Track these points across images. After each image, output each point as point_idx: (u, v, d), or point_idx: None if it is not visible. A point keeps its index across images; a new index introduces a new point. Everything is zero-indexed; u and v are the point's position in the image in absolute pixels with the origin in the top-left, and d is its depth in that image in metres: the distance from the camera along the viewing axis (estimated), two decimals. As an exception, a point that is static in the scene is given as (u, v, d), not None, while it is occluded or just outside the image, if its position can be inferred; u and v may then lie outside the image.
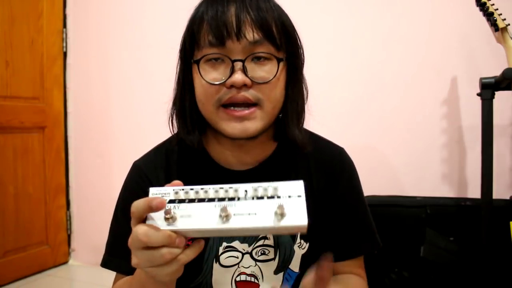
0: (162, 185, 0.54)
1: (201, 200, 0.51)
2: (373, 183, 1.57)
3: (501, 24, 1.24)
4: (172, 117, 0.76)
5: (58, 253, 2.40)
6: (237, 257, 0.74)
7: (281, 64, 0.68)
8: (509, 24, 1.24)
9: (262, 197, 0.51)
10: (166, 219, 0.50)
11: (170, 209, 0.50)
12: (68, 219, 2.47)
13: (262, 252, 0.74)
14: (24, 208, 2.20)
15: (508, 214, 1.25)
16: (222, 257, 0.74)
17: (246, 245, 0.74)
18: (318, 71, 1.73)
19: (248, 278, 0.74)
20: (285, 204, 0.49)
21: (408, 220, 1.46)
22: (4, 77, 2.10)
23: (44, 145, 2.33)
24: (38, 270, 2.28)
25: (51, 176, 2.36)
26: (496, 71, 1.25)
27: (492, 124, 1.26)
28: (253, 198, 0.51)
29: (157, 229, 0.49)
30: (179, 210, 0.51)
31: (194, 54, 0.70)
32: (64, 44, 2.43)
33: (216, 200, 0.51)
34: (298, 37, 0.74)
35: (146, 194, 0.53)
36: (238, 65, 0.65)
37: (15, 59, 2.15)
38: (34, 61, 2.26)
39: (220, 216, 0.50)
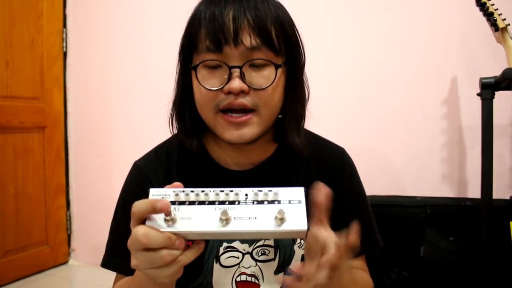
0: (162, 185, 0.54)
1: (202, 203, 0.51)
2: (373, 183, 1.57)
3: (501, 24, 1.24)
4: (172, 118, 0.76)
5: (58, 253, 2.40)
6: (238, 257, 0.74)
7: (280, 70, 0.68)
8: (509, 24, 1.24)
9: (262, 202, 0.51)
10: (166, 220, 0.50)
11: (170, 211, 0.50)
12: (68, 219, 2.47)
13: (262, 252, 0.74)
14: (24, 208, 2.20)
15: (508, 214, 1.25)
16: (222, 258, 0.74)
17: (247, 245, 0.74)
18: (318, 71, 1.72)
19: (249, 278, 0.74)
20: (285, 209, 0.50)
21: (408, 220, 1.46)
22: (4, 77, 2.10)
23: (44, 145, 2.32)
24: (38, 270, 2.28)
25: (51, 176, 2.36)
26: (496, 71, 1.25)
27: (492, 124, 1.26)
28: (253, 202, 0.51)
29: (157, 230, 0.49)
30: (179, 212, 0.51)
31: (193, 58, 0.70)
32: (64, 44, 2.43)
33: (217, 203, 0.51)
34: (299, 36, 0.74)
35: (146, 194, 0.53)
36: (236, 71, 0.65)
37: (15, 59, 2.15)
38: (34, 61, 2.26)
39: (221, 219, 0.50)
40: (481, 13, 1.28)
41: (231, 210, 0.50)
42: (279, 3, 0.72)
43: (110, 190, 2.24)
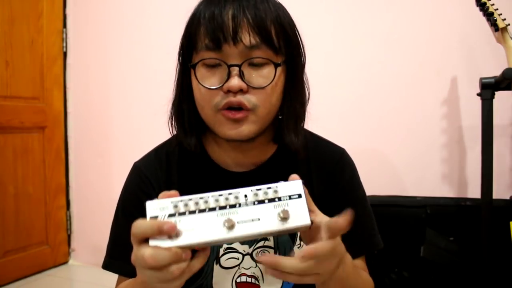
0: (162, 186, 0.54)
1: (202, 211, 0.50)
2: (373, 183, 1.57)
3: (501, 24, 1.24)
4: (172, 118, 0.76)
5: (58, 253, 2.40)
6: (238, 259, 0.74)
7: (279, 69, 0.68)
8: (509, 24, 1.24)
9: (263, 201, 0.51)
10: (169, 235, 0.49)
11: (176, 226, 0.49)
12: (68, 219, 2.47)
13: (262, 253, 0.74)
14: (24, 208, 2.20)
15: (508, 214, 1.25)
16: (222, 259, 0.74)
17: (247, 246, 0.73)
18: (318, 71, 1.72)
19: (249, 280, 0.74)
20: (286, 206, 0.50)
21: (408, 220, 1.46)
22: (4, 77, 2.10)
23: (44, 145, 2.33)
24: (38, 270, 2.28)
25: (51, 176, 2.36)
26: (496, 71, 1.25)
27: (492, 124, 1.26)
28: (254, 203, 0.51)
29: (163, 249, 0.48)
30: (181, 223, 0.49)
31: (192, 57, 0.70)
32: (64, 44, 2.43)
33: (218, 208, 0.50)
34: (299, 36, 0.74)
35: (146, 195, 0.53)
36: (235, 70, 0.65)
37: (15, 59, 2.15)
38: (34, 61, 2.26)
39: (224, 225, 0.49)
40: (481, 13, 1.28)
41: (234, 214, 0.50)
42: (279, 3, 0.72)
43: (110, 190, 2.24)
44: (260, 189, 0.51)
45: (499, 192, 1.39)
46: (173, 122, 0.76)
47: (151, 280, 0.50)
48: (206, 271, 0.74)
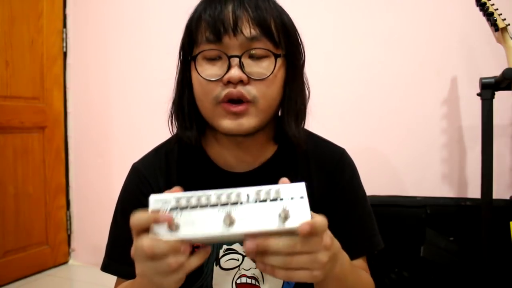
0: (161, 187, 0.54)
1: (204, 206, 0.51)
2: (373, 183, 1.57)
3: (501, 24, 1.23)
4: (172, 117, 0.76)
5: (58, 253, 2.40)
6: (238, 260, 0.74)
7: (279, 60, 0.68)
8: (509, 24, 1.24)
9: (264, 200, 0.51)
10: (169, 227, 0.49)
11: (173, 223, 0.49)
12: (68, 219, 2.47)
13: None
14: (24, 208, 2.20)
15: (508, 214, 1.25)
16: (222, 260, 0.74)
17: (246, 247, 0.73)
18: (318, 71, 1.72)
19: (249, 281, 0.74)
20: (288, 206, 0.49)
21: (408, 220, 1.46)
22: (4, 77, 2.10)
23: (44, 145, 2.33)
24: (38, 270, 2.28)
25: (51, 176, 2.36)
26: (496, 71, 1.25)
27: (492, 124, 1.26)
28: (255, 202, 0.51)
29: (161, 240, 0.48)
30: (182, 217, 0.50)
31: (193, 51, 0.70)
32: (64, 44, 2.43)
33: (219, 205, 0.51)
34: (299, 36, 0.74)
35: (145, 196, 0.53)
36: (235, 61, 0.65)
37: (15, 59, 2.15)
38: (34, 61, 2.26)
39: (224, 221, 0.49)
40: (481, 13, 1.28)
41: (234, 211, 0.50)
42: (280, 6, 0.73)
43: (110, 190, 2.24)
44: (262, 189, 0.51)
45: (499, 192, 1.39)
46: (173, 121, 0.76)
47: (149, 272, 0.50)
48: (206, 272, 0.74)
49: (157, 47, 2.10)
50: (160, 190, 0.54)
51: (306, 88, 0.76)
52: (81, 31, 2.41)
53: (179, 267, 0.49)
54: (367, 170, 1.56)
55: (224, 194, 0.51)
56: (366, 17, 1.73)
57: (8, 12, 2.11)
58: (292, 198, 0.50)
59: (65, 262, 2.45)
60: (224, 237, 0.50)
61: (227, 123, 0.67)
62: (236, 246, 0.74)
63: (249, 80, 0.66)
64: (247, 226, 0.49)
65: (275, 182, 0.53)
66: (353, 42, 1.76)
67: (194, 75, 0.69)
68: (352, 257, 0.77)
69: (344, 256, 0.60)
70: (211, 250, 0.73)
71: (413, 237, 1.42)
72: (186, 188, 0.54)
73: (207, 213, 0.50)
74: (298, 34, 0.74)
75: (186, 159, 0.78)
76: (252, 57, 0.67)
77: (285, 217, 0.49)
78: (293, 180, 0.53)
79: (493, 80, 1.26)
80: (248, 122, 0.68)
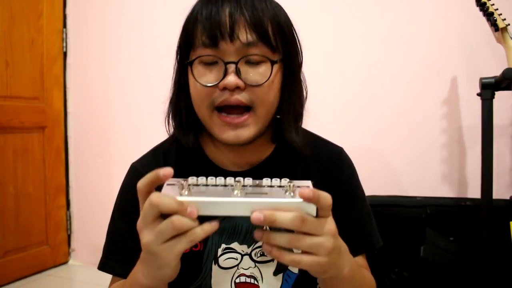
0: (159, 186, 0.54)
1: (215, 185, 0.54)
2: (373, 183, 1.57)
3: (501, 24, 1.23)
4: (169, 117, 0.76)
5: (58, 253, 2.40)
6: (236, 259, 0.74)
7: (276, 66, 0.67)
8: (509, 24, 1.24)
9: (273, 186, 0.54)
10: (180, 193, 0.50)
11: (184, 184, 0.51)
12: (68, 219, 2.47)
13: (261, 253, 0.74)
14: (24, 208, 2.20)
15: (508, 214, 1.25)
16: (221, 259, 0.74)
17: (245, 246, 0.73)
18: (317, 71, 1.73)
19: (248, 280, 0.74)
20: (295, 186, 0.52)
21: (408, 220, 1.46)
22: (4, 77, 2.10)
23: (44, 145, 2.33)
24: (38, 270, 2.28)
25: (51, 176, 2.36)
26: (496, 71, 1.25)
27: (492, 124, 1.26)
28: (264, 186, 0.54)
29: (169, 196, 0.49)
30: (193, 187, 0.53)
31: (189, 54, 0.70)
32: (64, 44, 2.43)
33: (229, 185, 0.54)
34: (297, 36, 0.74)
35: None
36: (231, 67, 0.65)
37: (15, 59, 2.15)
38: (34, 61, 2.26)
39: (233, 191, 0.52)
40: (481, 13, 1.28)
41: (246, 188, 0.53)
42: (277, 3, 0.72)
43: (110, 190, 2.24)
44: (270, 179, 0.55)
45: (499, 192, 1.39)
46: (170, 121, 0.76)
47: (153, 240, 0.50)
48: (204, 272, 0.74)
49: (157, 47, 2.10)
50: (158, 190, 0.54)
51: (304, 88, 0.76)
52: (81, 31, 2.41)
53: (183, 233, 0.49)
54: (367, 170, 1.56)
55: (233, 179, 0.54)
56: (366, 17, 1.73)
57: (8, 12, 2.11)
58: (298, 186, 0.52)
59: (65, 262, 2.45)
60: (231, 206, 0.51)
61: (225, 135, 0.68)
62: (235, 245, 0.74)
63: (245, 86, 0.65)
64: (254, 198, 0.51)
65: None
66: (353, 42, 1.76)
67: (191, 79, 0.69)
68: (352, 255, 0.77)
69: (351, 257, 0.60)
70: (208, 249, 0.73)
71: (413, 237, 1.42)
72: None
73: (219, 188, 0.53)
74: (296, 34, 0.73)
75: (184, 158, 0.78)
76: (248, 62, 0.66)
77: (291, 192, 0.51)
78: (291, 179, 0.54)
79: (493, 80, 1.26)
80: (247, 132, 0.68)
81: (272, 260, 0.75)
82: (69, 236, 2.47)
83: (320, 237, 0.51)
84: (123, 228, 0.75)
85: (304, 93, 0.76)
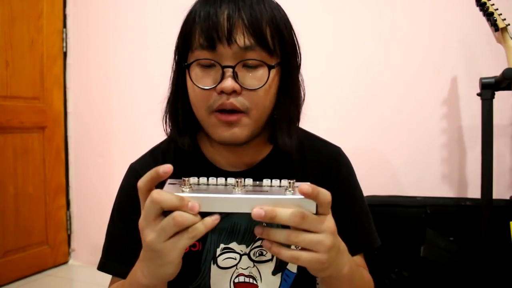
0: (158, 187, 0.54)
1: (215, 185, 0.56)
2: (373, 183, 1.57)
3: (501, 24, 1.23)
4: (166, 116, 0.76)
5: (58, 253, 2.40)
6: (235, 259, 0.74)
7: (273, 71, 0.67)
8: (509, 24, 1.24)
9: (273, 186, 0.56)
10: (182, 190, 0.51)
11: (185, 182, 0.52)
12: (68, 219, 2.47)
13: (260, 253, 0.74)
14: (24, 208, 2.20)
15: (508, 214, 1.25)
16: (219, 259, 0.74)
17: (244, 246, 0.73)
18: (317, 71, 1.73)
19: (247, 279, 0.74)
20: (295, 185, 0.53)
21: (408, 220, 1.46)
22: (4, 77, 2.10)
23: (44, 145, 2.33)
24: (38, 270, 2.28)
25: (51, 176, 2.36)
26: (496, 71, 1.25)
27: (492, 124, 1.26)
28: (264, 186, 0.55)
29: (169, 192, 0.50)
30: (195, 186, 0.54)
31: (187, 56, 0.70)
32: (64, 44, 2.43)
33: (230, 185, 0.55)
34: (295, 37, 0.73)
35: None
36: (229, 71, 0.65)
37: (15, 59, 2.15)
38: (34, 61, 2.26)
39: (233, 188, 0.53)
40: (481, 13, 1.28)
41: (246, 187, 0.54)
42: (276, 3, 0.72)
43: (110, 190, 2.23)
44: (270, 179, 0.57)
45: (499, 192, 1.39)
46: (167, 120, 0.76)
47: (155, 237, 0.50)
48: (203, 272, 0.74)
49: (157, 47, 2.10)
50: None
51: (301, 89, 0.76)
52: (81, 31, 2.41)
53: (185, 229, 0.50)
54: (367, 170, 1.57)
55: (233, 179, 0.55)
56: (366, 17, 1.73)
57: (8, 12, 2.11)
58: (298, 186, 0.53)
59: (65, 262, 2.45)
60: (232, 202, 0.51)
61: (220, 133, 0.68)
62: (233, 245, 0.74)
63: (242, 90, 0.66)
64: (254, 194, 0.52)
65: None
66: (353, 42, 1.76)
67: (189, 81, 0.69)
68: (351, 254, 0.77)
69: (350, 256, 0.61)
70: (207, 249, 0.73)
71: (413, 237, 1.43)
72: None
73: (218, 187, 0.54)
74: (295, 35, 0.73)
75: (182, 158, 0.78)
76: (246, 66, 0.66)
77: (291, 190, 0.53)
78: (289, 179, 0.54)
79: (493, 80, 1.26)
80: (241, 132, 0.68)
81: (270, 260, 0.75)
82: (69, 236, 2.47)
83: (319, 234, 0.51)
84: (122, 228, 0.76)
85: (302, 95, 0.76)
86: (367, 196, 1.42)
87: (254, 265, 0.74)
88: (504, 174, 1.53)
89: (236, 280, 0.74)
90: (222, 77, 0.65)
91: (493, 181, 1.24)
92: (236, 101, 0.66)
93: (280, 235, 0.51)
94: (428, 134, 1.64)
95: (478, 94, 1.30)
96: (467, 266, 1.35)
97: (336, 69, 1.78)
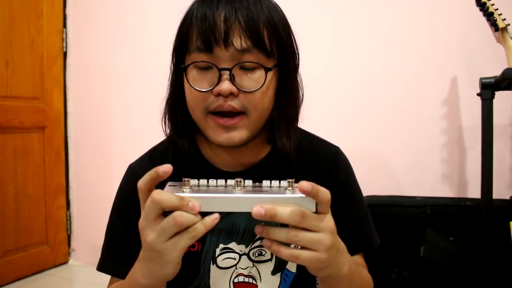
0: (157, 187, 0.54)
1: (215, 186, 0.56)
2: (373, 183, 1.57)
3: (501, 24, 1.23)
4: (165, 117, 0.76)
5: (58, 253, 2.40)
6: (234, 259, 0.74)
7: (270, 73, 0.67)
8: (509, 24, 1.24)
9: (272, 186, 0.57)
10: (182, 191, 0.51)
11: (185, 181, 0.52)
12: (68, 219, 2.47)
13: (259, 253, 0.74)
14: (24, 208, 2.20)
15: (508, 214, 1.25)
16: (219, 259, 0.74)
17: (243, 246, 0.73)
18: (317, 71, 1.73)
19: (246, 279, 0.74)
20: (295, 186, 0.54)
21: (408, 220, 1.46)
22: (4, 77, 2.10)
23: (44, 145, 2.33)
24: (38, 270, 2.28)
25: (51, 176, 2.36)
26: (496, 71, 1.25)
27: (492, 124, 1.26)
28: (263, 187, 0.56)
29: (169, 193, 0.50)
30: (195, 187, 0.54)
31: (185, 58, 0.69)
32: (64, 44, 2.43)
33: (230, 186, 0.55)
34: (293, 37, 0.73)
35: None
36: (226, 73, 0.64)
37: (15, 59, 2.15)
38: (34, 61, 2.26)
39: (233, 188, 0.53)
40: (481, 13, 1.28)
41: (247, 187, 0.55)
42: (274, 3, 0.72)
43: (110, 190, 2.23)
44: (270, 181, 0.57)
45: (499, 192, 1.39)
46: (166, 121, 0.76)
47: (156, 237, 0.50)
48: (203, 272, 0.74)
49: (157, 47, 2.08)
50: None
51: (299, 90, 0.76)
52: (81, 31, 2.41)
53: (185, 229, 0.50)
54: (367, 170, 1.57)
55: (234, 180, 0.55)
56: (366, 17, 1.73)
57: (8, 12, 2.11)
58: (297, 187, 0.53)
59: (65, 262, 2.45)
60: (233, 201, 0.51)
61: (217, 136, 0.68)
62: (232, 245, 0.74)
63: (239, 92, 0.65)
64: (253, 194, 0.52)
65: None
66: (353, 42, 1.76)
67: (186, 83, 0.69)
68: (350, 254, 0.77)
69: (350, 256, 0.61)
70: (206, 249, 0.73)
71: (413, 237, 1.42)
72: None
73: (218, 188, 0.55)
74: (293, 35, 0.73)
75: (181, 159, 0.78)
76: (243, 68, 0.66)
77: (290, 189, 0.53)
78: (288, 178, 0.55)
79: (493, 80, 1.26)
80: (239, 135, 0.68)
81: (270, 260, 0.75)
82: (69, 236, 2.47)
83: (319, 233, 0.52)
84: (121, 228, 0.76)
85: (300, 95, 0.76)
86: (367, 196, 1.42)
87: (253, 265, 0.74)
88: (504, 174, 1.53)
89: (236, 280, 0.74)
90: (219, 79, 0.65)
91: (493, 181, 1.24)
92: (234, 103, 0.66)
93: (280, 233, 0.52)
94: (428, 134, 1.64)
95: (478, 94, 1.30)
96: (467, 266, 1.35)
97: (336, 69, 1.78)
